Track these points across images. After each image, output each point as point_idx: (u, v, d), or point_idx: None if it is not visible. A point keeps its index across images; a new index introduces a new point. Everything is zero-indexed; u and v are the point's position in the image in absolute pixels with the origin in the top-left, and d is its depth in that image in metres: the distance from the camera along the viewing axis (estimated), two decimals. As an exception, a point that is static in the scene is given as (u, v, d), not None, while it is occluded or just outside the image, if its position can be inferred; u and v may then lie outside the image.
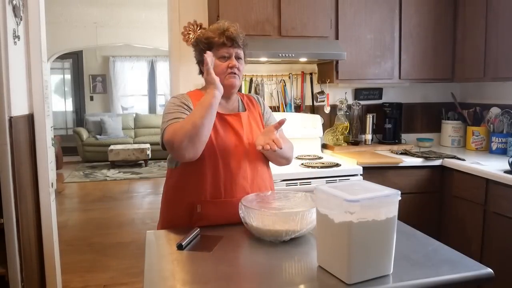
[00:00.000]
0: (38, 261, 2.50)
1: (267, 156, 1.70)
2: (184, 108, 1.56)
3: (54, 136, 6.60)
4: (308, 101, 3.28)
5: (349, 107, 3.30)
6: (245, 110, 1.72)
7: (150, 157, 8.14)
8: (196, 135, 1.41)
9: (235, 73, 1.61)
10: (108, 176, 7.23)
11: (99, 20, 6.82)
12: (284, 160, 1.73)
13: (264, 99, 3.12)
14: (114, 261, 3.62)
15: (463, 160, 2.71)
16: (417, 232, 1.45)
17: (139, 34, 7.04)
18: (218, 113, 1.59)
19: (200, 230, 1.45)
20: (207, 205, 1.55)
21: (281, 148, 1.50)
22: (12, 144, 2.10)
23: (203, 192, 1.55)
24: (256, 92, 3.15)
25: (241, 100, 1.76)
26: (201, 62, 1.66)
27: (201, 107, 1.45)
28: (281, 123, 1.55)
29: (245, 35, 1.66)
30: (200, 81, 1.66)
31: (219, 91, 1.49)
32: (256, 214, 1.35)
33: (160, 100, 10.25)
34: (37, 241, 2.48)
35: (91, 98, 9.83)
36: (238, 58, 1.63)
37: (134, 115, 9.55)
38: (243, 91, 3.07)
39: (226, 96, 1.64)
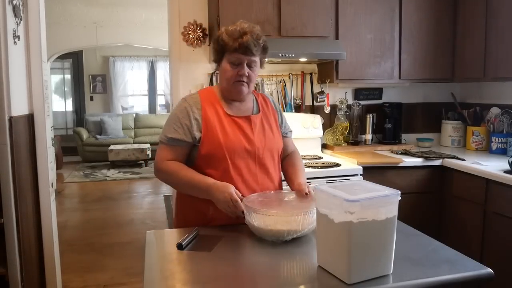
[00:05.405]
0: (38, 261, 2.50)
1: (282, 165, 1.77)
2: (185, 126, 1.55)
3: (54, 136, 6.60)
4: (308, 101, 3.28)
5: (349, 107, 3.30)
6: (259, 111, 1.69)
7: (150, 157, 8.11)
8: (174, 187, 1.67)
9: (243, 81, 1.58)
10: (108, 176, 7.23)
11: (99, 20, 6.81)
12: None
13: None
14: (114, 261, 3.62)
15: (463, 160, 2.71)
16: (417, 232, 1.45)
17: (139, 34, 7.03)
18: (229, 116, 1.60)
19: (199, 230, 1.45)
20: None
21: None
22: (12, 144, 2.10)
23: None
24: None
25: (256, 100, 1.73)
26: (216, 61, 1.64)
27: (192, 185, 1.53)
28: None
29: (265, 40, 1.61)
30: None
31: (216, 199, 1.47)
32: (258, 214, 1.35)
33: (160, 100, 10.26)
34: (37, 241, 2.48)
35: (91, 98, 9.82)
36: (250, 65, 1.58)
37: (134, 115, 9.54)
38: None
39: (237, 100, 1.64)
